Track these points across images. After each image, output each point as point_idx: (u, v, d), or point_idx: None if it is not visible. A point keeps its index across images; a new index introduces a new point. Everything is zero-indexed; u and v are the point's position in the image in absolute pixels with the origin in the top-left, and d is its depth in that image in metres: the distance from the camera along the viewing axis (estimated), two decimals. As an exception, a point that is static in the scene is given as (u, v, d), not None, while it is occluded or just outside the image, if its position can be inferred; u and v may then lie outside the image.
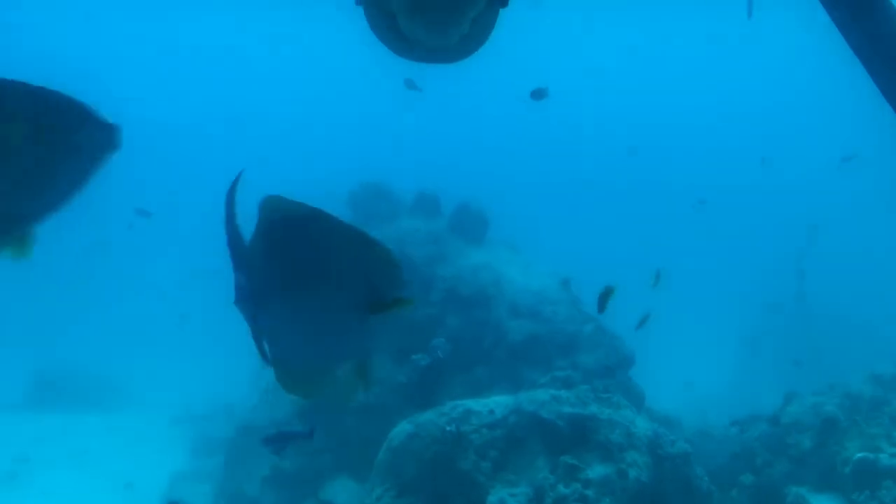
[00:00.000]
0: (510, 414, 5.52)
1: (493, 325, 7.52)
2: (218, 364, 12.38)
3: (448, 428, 5.46)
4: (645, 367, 7.84)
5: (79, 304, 16.11)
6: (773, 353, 11.76)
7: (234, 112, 30.67)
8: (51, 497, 8.96)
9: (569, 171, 26.16)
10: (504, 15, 1.78)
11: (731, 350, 13.26)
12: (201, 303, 14.49)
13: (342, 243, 1.57)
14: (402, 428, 5.59)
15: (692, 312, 14.20)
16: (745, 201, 20.74)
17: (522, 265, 8.52)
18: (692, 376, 11.23)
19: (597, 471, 5.14)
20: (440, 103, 19.72)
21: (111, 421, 11.24)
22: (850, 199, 18.69)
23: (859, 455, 5.66)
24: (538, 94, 7.91)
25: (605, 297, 5.43)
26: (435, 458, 5.38)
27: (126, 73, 27.14)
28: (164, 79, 30.16)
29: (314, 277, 1.57)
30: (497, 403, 5.66)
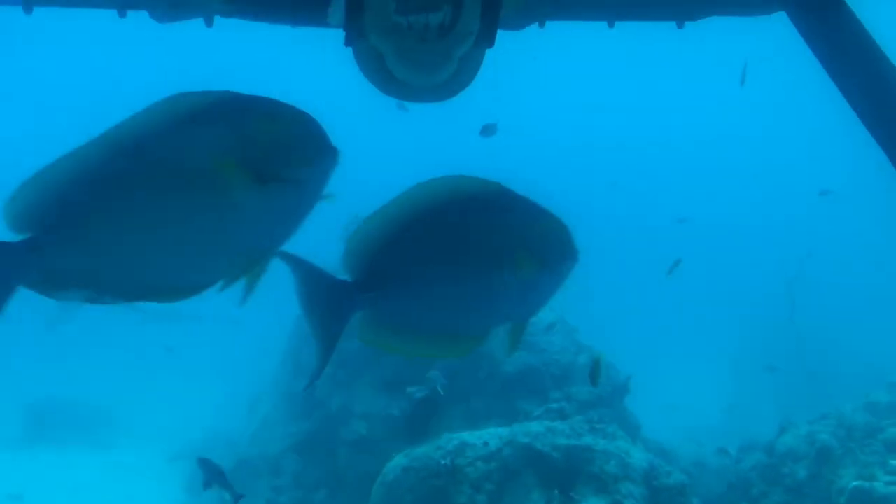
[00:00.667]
0: (505, 446, 5.53)
1: (489, 355, 7.53)
2: (216, 395, 12.36)
3: (443, 461, 5.47)
4: (640, 396, 7.85)
5: (74, 336, 16.07)
6: (766, 380, 11.76)
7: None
8: (45, 535, 8.88)
9: (558, 200, 26.22)
10: (490, 54, 1.83)
11: (724, 378, 13.27)
12: (194, 334, 14.49)
13: (515, 215, 1.65)
14: (397, 462, 5.59)
15: (685, 340, 14.23)
16: (736, 228, 20.83)
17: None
18: (685, 402, 11.24)
19: (592, 503, 5.14)
20: (428, 133, 19.87)
21: (107, 457, 11.17)
22: (841, 225, 18.81)
23: (854, 484, 5.67)
24: (488, 131, 7.78)
25: (595, 369, 5.48)
26: (430, 493, 5.37)
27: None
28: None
29: (483, 249, 1.64)
30: (492, 435, 5.66)
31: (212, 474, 5.12)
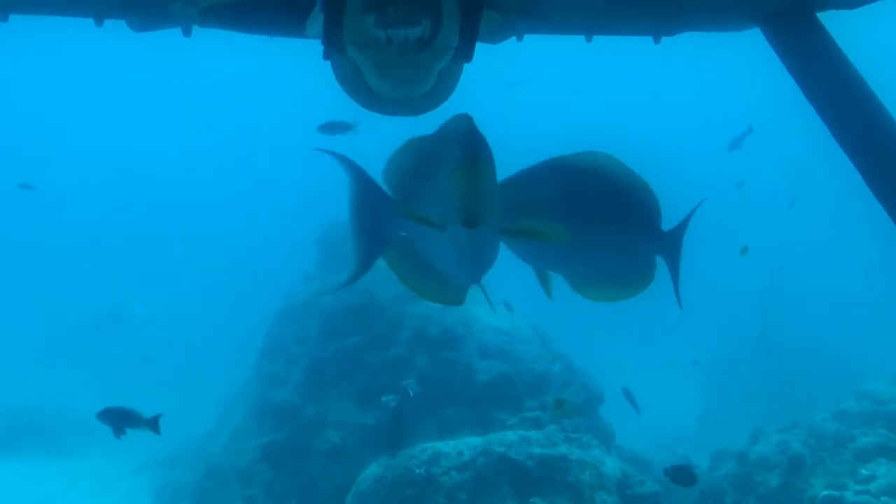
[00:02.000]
0: (479, 455, 5.51)
1: (463, 365, 7.50)
2: (185, 405, 12.18)
3: (417, 471, 5.43)
4: (614, 404, 7.86)
5: (41, 345, 15.83)
6: (739, 390, 11.86)
7: (197, 157, 30.54)
8: (9, 548, 8.69)
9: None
10: (468, 68, 1.82)
11: (697, 387, 13.35)
12: (169, 344, 14.33)
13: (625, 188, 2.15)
14: (371, 471, 5.55)
15: (659, 350, 14.30)
16: (710, 238, 21.01)
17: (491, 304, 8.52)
18: (659, 411, 11.28)
19: (566, 512, 5.13)
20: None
21: (74, 468, 10.96)
22: (812, 234, 19.05)
23: (825, 493, 5.71)
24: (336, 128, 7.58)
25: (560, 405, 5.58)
26: (404, 502, 5.33)
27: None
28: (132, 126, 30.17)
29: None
30: (466, 445, 5.64)
31: (117, 420, 4.95)
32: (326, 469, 6.97)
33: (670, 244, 2.19)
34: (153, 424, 4.85)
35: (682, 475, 5.26)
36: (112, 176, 28.16)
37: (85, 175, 28.08)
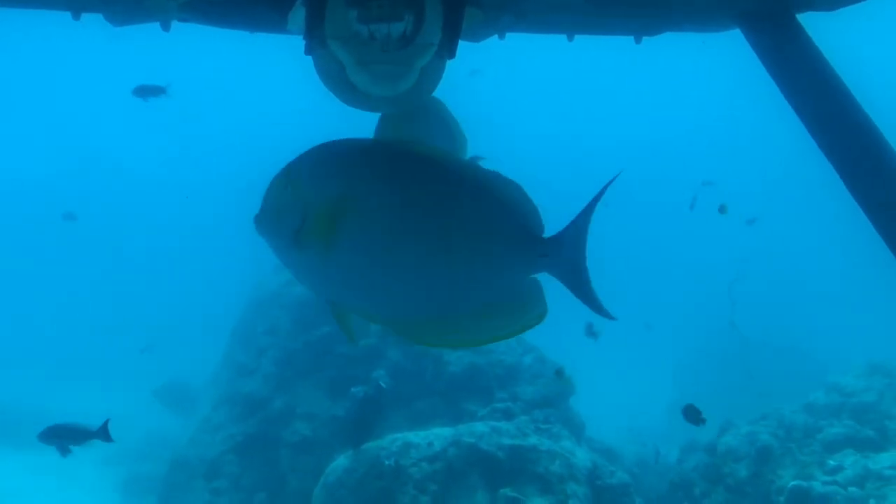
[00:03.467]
0: (449, 446, 5.47)
1: (434, 356, 7.47)
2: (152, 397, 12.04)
3: (387, 462, 5.38)
4: (585, 396, 7.87)
5: (5, 336, 15.56)
6: (709, 382, 11.95)
7: (170, 148, 30.30)
8: (-30, 542, 8.53)
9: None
10: (451, 65, 1.81)
11: (667, 378, 13.44)
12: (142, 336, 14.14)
13: None
14: (339, 463, 5.49)
15: (629, 341, 14.37)
16: (677, 231, 21.22)
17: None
18: (629, 403, 11.35)
19: (536, 503, 5.11)
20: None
21: (39, 461, 10.76)
22: (781, 230, 19.25)
23: (793, 483, 5.75)
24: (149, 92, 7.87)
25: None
26: (373, 494, 5.28)
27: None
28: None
29: None
30: (436, 436, 5.60)
31: (61, 440, 4.75)
32: (296, 461, 6.89)
33: (556, 255, 1.68)
34: (103, 434, 4.64)
35: (692, 414, 5.48)
36: (83, 165, 27.83)
37: (56, 166, 27.74)
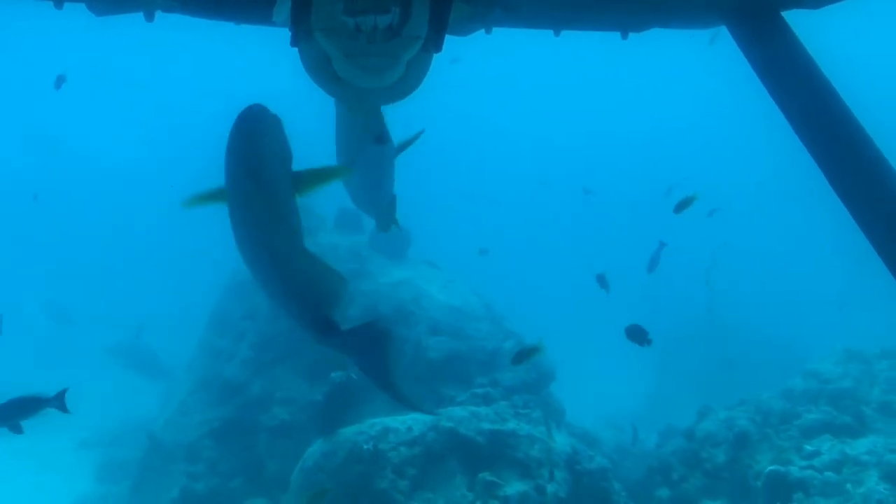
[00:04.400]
0: (428, 431, 5.44)
1: (414, 341, 7.43)
2: (129, 381, 11.94)
3: (365, 446, 5.34)
4: (565, 382, 7.87)
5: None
6: (689, 368, 12.01)
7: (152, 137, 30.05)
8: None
9: (489, 195, 26.63)
10: (437, 58, 1.82)
11: (647, 365, 13.49)
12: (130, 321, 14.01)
13: None
14: (317, 447, 5.45)
15: (608, 329, 14.40)
16: (652, 218, 21.35)
17: (443, 282, 8.46)
18: (609, 389, 11.37)
19: (515, 487, 5.10)
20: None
21: (14, 444, 10.64)
22: (755, 215, 19.40)
23: (770, 468, 5.77)
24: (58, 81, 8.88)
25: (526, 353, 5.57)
26: (351, 478, 5.24)
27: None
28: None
29: None
30: (415, 420, 5.57)
31: (9, 414, 4.58)
32: (274, 445, 6.84)
33: (348, 347, 1.82)
34: (59, 403, 4.50)
35: (636, 333, 5.56)
36: (54, 155, 27.57)
37: (27, 157, 27.49)
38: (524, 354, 5.64)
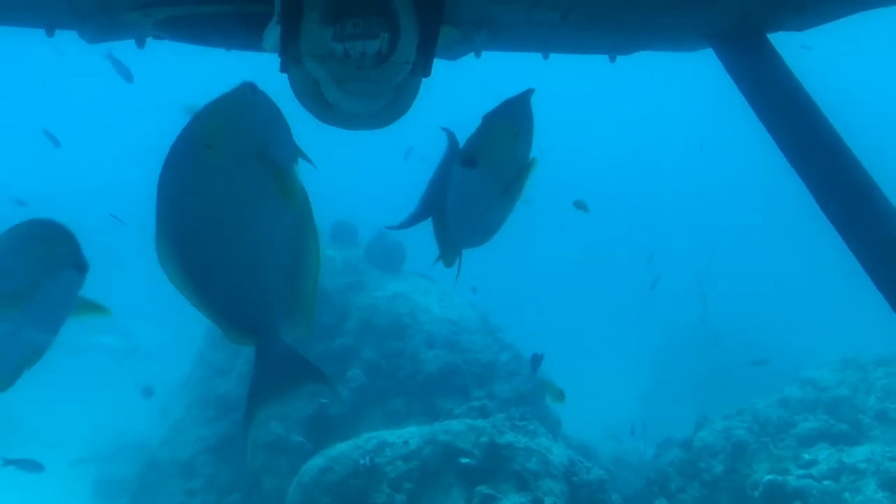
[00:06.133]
0: (425, 445, 5.43)
1: (410, 355, 7.43)
2: (126, 399, 11.90)
3: (362, 461, 5.34)
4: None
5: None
6: (683, 377, 12.01)
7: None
8: (-61, 546, 8.37)
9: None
10: (427, 83, 1.82)
11: (643, 375, 13.50)
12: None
13: None
14: (314, 462, 5.43)
15: (605, 340, 14.44)
16: (646, 228, 21.42)
17: (439, 295, 8.47)
18: (605, 400, 11.36)
19: (512, 500, 5.08)
20: (357, 135, 19.93)
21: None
22: (749, 223, 19.45)
23: (768, 478, 5.76)
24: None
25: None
26: (348, 493, 5.23)
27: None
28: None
29: None
30: (412, 434, 5.56)
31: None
32: (270, 461, 6.82)
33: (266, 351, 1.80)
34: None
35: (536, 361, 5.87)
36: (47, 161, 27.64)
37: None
38: (545, 386, 5.69)
